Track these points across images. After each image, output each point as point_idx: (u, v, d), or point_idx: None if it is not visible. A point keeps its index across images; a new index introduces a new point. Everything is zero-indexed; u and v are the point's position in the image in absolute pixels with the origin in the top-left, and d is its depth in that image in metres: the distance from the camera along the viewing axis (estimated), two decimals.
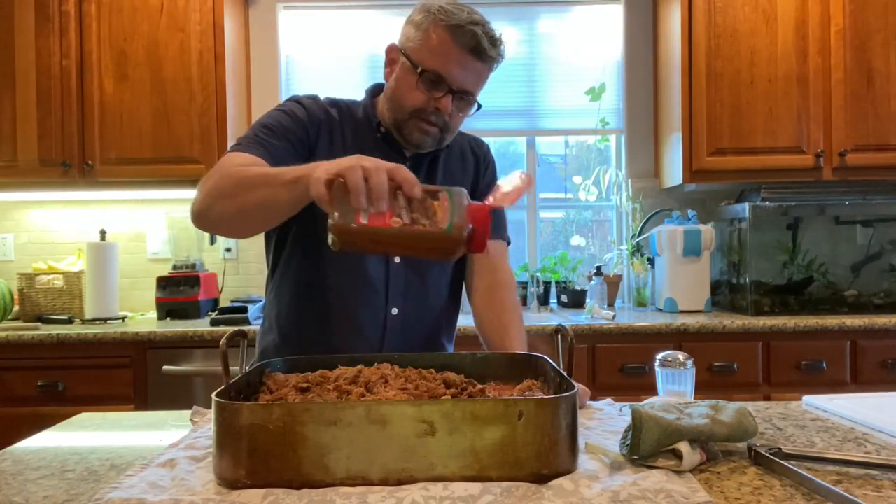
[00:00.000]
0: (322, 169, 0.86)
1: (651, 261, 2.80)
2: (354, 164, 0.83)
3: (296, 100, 1.30)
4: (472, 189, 1.40)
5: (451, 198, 0.87)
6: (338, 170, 0.84)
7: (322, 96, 1.36)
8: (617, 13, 3.05)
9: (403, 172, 0.85)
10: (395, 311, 1.28)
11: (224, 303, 2.86)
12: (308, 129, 1.25)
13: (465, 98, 1.23)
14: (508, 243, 1.44)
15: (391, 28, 2.98)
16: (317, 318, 1.28)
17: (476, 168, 1.42)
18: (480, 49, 1.18)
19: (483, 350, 1.31)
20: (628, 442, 0.82)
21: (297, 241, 1.30)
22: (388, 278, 1.28)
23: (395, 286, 1.28)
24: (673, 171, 2.77)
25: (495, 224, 1.40)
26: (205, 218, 1.09)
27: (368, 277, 1.27)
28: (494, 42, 1.20)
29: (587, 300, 2.71)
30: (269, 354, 1.31)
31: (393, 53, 1.28)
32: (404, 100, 1.23)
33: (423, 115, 1.22)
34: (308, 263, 1.29)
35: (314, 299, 1.28)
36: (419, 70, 1.20)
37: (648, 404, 0.90)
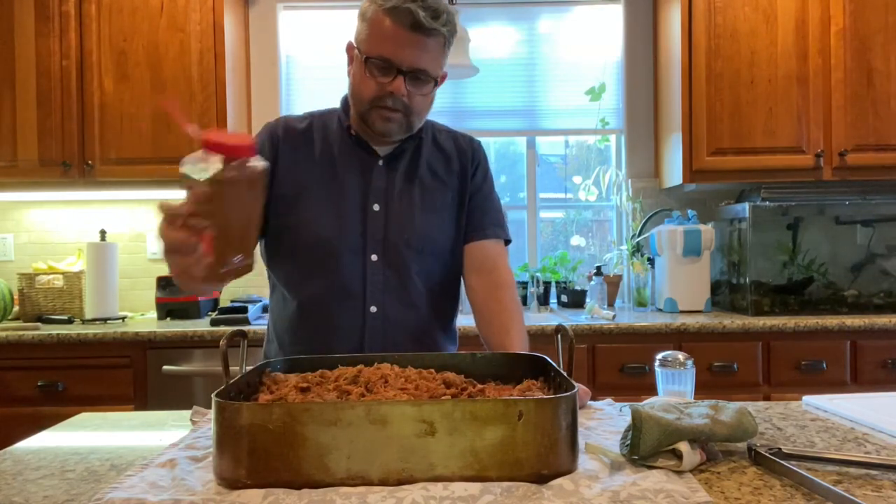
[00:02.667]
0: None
1: (651, 261, 2.80)
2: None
3: (266, 129, 1.35)
4: (460, 188, 1.38)
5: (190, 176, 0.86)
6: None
7: (322, 101, 1.41)
8: (617, 13, 3.05)
9: (164, 211, 0.86)
10: (373, 309, 1.28)
11: (224, 303, 2.86)
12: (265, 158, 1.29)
13: (419, 77, 1.23)
14: (507, 242, 1.44)
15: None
16: (299, 322, 1.31)
17: (462, 166, 1.39)
18: (419, 24, 1.17)
19: (484, 350, 1.31)
20: (628, 442, 0.82)
21: (274, 252, 1.34)
22: (365, 277, 1.28)
23: (372, 284, 1.28)
24: (673, 171, 2.77)
25: (493, 222, 1.40)
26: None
27: (343, 278, 1.28)
28: (437, 14, 1.19)
29: (587, 300, 2.72)
30: (275, 350, 1.36)
31: (350, 51, 1.28)
32: (360, 92, 1.24)
33: (381, 103, 1.23)
34: (286, 271, 1.33)
35: (295, 304, 1.31)
36: (365, 58, 1.21)
37: (648, 404, 0.90)
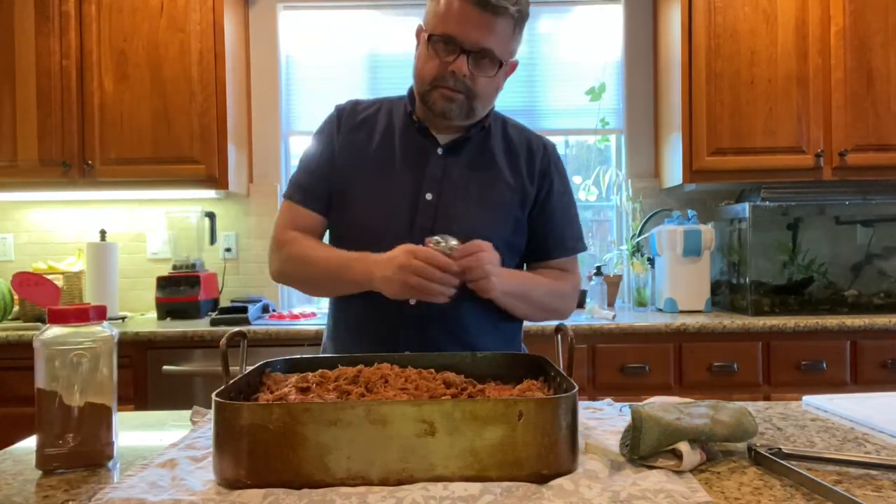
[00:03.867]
0: (384, 280, 1.14)
1: (651, 261, 2.80)
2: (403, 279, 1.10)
3: (334, 111, 1.36)
4: (524, 192, 1.32)
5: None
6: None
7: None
8: (617, 13, 3.05)
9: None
10: (412, 301, 1.23)
11: (224, 303, 2.86)
12: (328, 148, 1.33)
13: (483, 58, 1.19)
14: (582, 250, 1.41)
15: (391, 28, 2.98)
16: (347, 310, 1.31)
17: (530, 170, 1.34)
18: (486, 1, 1.14)
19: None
20: (628, 442, 0.82)
21: (332, 238, 1.34)
22: None
23: None
24: (673, 171, 2.77)
25: (575, 236, 1.39)
26: (286, 284, 1.40)
27: None
28: None
29: (587, 300, 2.71)
30: (326, 346, 1.39)
31: (419, 34, 1.27)
32: (422, 71, 1.23)
33: (443, 83, 1.20)
34: None
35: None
36: (429, 36, 1.19)
37: (648, 404, 0.90)
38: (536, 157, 1.35)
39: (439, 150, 1.29)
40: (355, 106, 1.36)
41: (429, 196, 1.26)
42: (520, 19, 1.21)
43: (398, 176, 1.28)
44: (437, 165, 1.28)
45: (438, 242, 1.10)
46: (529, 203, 1.33)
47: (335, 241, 1.32)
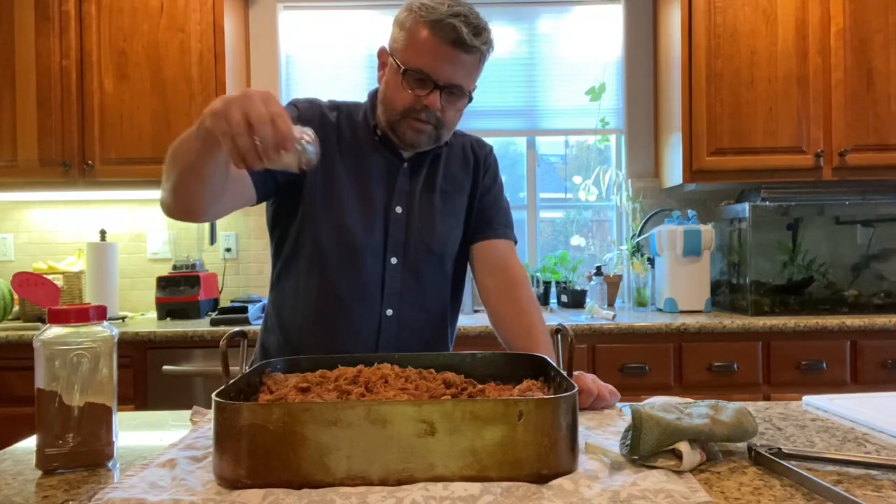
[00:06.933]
0: (212, 111, 0.93)
1: (651, 261, 2.80)
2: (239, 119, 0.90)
3: (292, 103, 1.32)
4: (471, 191, 1.39)
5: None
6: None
7: (326, 99, 1.37)
8: (617, 13, 3.05)
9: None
10: (389, 312, 1.28)
11: (224, 303, 2.86)
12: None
13: (454, 92, 1.22)
14: (515, 243, 1.42)
15: (391, 28, 2.98)
16: (314, 318, 1.29)
17: (475, 169, 1.41)
18: (462, 41, 1.16)
19: (503, 349, 1.28)
20: (628, 442, 0.82)
21: (298, 242, 1.31)
22: (384, 279, 1.28)
23: (390, 287, 1.28)
24: (673, 171, 2.77)
25: (503, 223, 1.40)
26: (165, 205, 1.14)
27: (364, 278, 1.27)
28: (479, 31, 1.18)
29: (587, 300, 2.72)
30: (271, 353, 1.33)
31: (383, 56, 1.27)
32: (393, 101, 1.23)
33: (414, 115, 1.22)
34: (307, 265, 1.30)
35: (312, 300, 1.29)
36: (403, 70, 1.19)
37: (648, 404, 0.90)
38: (479, 159, 1.42)
39: (405, 165, 1.32)
40: (322, 110, 1.32)
41: (398, 210, 1.30)
42: (487, 54, 1.24)
43: (370, 190, 1.29)
44: (404, 180, 1.31)
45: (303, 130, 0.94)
46: (475, 202, 1.40)
47: (313, 249, 1.28)
